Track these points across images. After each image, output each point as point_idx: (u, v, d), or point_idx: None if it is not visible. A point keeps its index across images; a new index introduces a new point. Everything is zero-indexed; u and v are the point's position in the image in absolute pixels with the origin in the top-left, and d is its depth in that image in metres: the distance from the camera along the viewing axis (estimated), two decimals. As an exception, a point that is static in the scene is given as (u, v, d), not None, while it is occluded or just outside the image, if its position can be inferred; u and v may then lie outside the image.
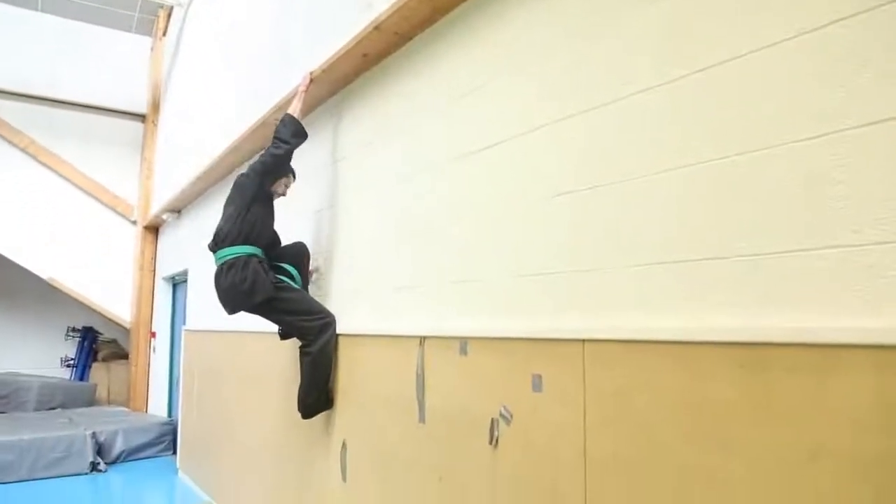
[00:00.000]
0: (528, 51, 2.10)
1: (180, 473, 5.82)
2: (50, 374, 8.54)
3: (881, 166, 1.21)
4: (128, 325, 8.16)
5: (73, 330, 9.22)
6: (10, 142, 7.67)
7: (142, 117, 8.42)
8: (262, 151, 3.30)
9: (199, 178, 5.45)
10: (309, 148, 3.34)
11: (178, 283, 7.72)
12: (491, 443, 2.06)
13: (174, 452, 6.40)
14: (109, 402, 8.49)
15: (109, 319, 8.23)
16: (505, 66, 2.20)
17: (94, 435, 6.07)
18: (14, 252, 7.58)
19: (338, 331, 3.08)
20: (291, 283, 3.16)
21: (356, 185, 3.14)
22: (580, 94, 1.88)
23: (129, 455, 6.39)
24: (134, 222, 8.30)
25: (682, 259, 1.55)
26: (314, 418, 3.13)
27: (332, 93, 3.39)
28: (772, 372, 1.32)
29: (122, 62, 8.39)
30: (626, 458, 1.62)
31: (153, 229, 8.20)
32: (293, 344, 3.29)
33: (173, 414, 7.16)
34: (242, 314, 3.12)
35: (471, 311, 2.25)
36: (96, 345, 9.22)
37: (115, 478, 5.88)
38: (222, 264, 3.03)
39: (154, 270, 8.14)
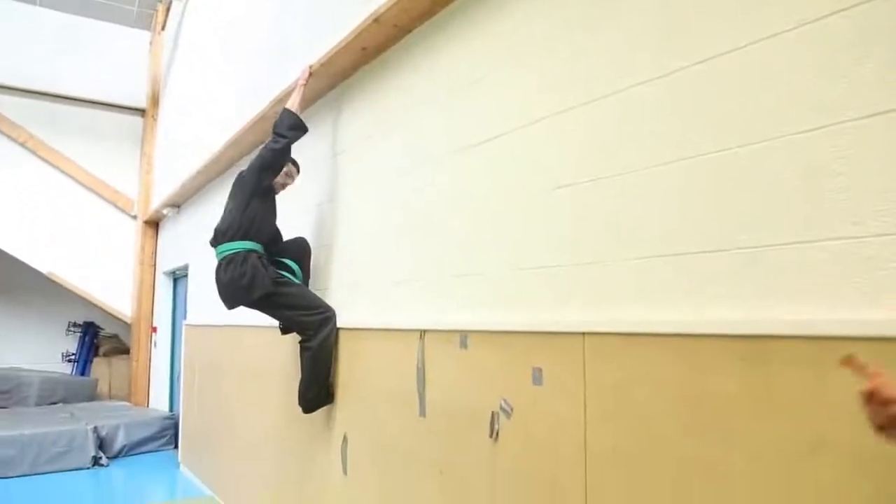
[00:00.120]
0: (528, 43, 2.09)
1: (182, 467, 5.84)
2: (51, 369, 8.55)
3: (881, 158, 1.20)
4: (129, 320, 8.17)
5: (74, 325, 9.23)
6: (9, 137, 7.66)
7: (141, 112, 8.42)
8: (262, 146, 3.30)
9: (199, 173, 5.45)
10: (309, 142, 3.33)
11: (178, 277, 7.73)
12: (491, 436, 2.06)
13: (175, 447, 6.43)
14: (111, 397, 8.51)
15: (110, 314, 8.24)
16: (505, 58, 2.19)
17: (95, 429, 6.09)
18: (14, 247, 7.58)
19: (338, 325, 3.08)
20: (292, 278, 3.16)
21: (356, 178, 3.14)
22: (580, 87, 1.87)
23: (131, 449, 6.42)
24: (134, 217, 8.30)
25: (682, 252, 1.54)
26: (315, 412, 3.14)
27: (332, 86, 3.39)
28: (772, 364, 1.32)
29: (122, 57, 8.37)
30: (626, 451, 1.62)
31: (153, 224, 8.20)
32: (294, 338, 3.29)
33: (174, 408, 7.18)
34: (243, 308, 3.12)
35: (471, 304, 2.25)
36: (97, 340, 9.24)
37: (116, 472, 5.90)
38: (222, 259, 3.04)
39: (154, 265, 8.14)
